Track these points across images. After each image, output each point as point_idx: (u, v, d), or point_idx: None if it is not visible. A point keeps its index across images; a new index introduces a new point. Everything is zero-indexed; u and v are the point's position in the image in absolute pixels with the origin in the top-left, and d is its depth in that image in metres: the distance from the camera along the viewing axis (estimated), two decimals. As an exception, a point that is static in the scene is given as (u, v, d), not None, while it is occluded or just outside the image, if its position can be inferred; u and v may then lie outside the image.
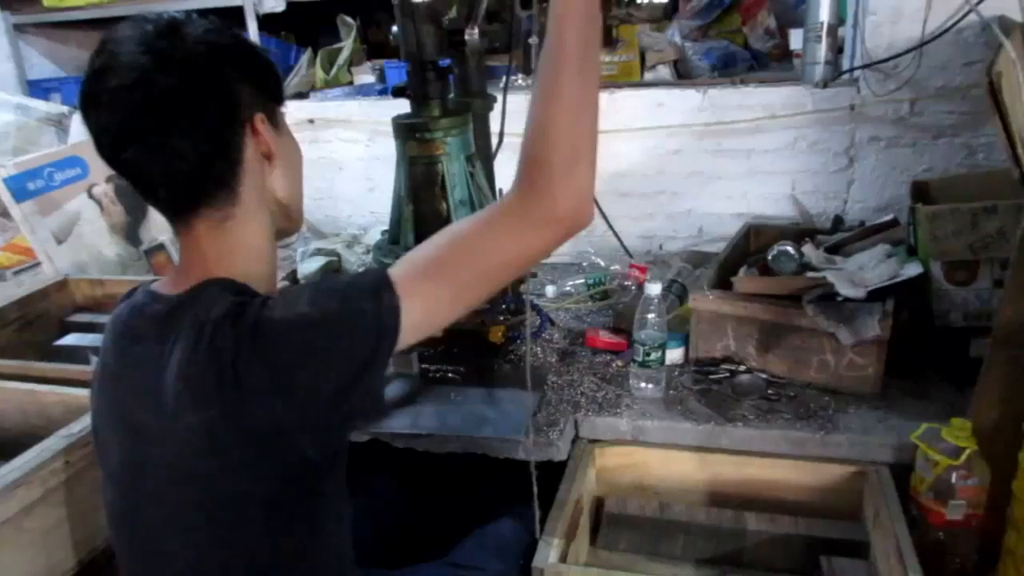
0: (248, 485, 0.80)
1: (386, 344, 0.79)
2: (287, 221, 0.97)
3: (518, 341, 1.59)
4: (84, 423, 1.12)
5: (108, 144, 0.84)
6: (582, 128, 0.80)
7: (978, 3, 1.66)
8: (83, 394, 1.22)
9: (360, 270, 0.82)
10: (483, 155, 1.53)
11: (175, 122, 0.82)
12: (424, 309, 0.81)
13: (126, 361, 0.87)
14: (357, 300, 0.80)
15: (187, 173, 0.84)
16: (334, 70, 2.65)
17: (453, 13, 1.36)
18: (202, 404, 0.78)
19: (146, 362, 0.84)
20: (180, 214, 0.88)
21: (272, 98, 0.93)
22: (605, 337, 1.57)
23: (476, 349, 1.56)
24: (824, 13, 1.86)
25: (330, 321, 0.79)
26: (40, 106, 2.67)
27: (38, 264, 1.88)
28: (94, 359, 1.46)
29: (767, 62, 2.61)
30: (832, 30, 1.88)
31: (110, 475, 0.91)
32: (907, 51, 1.78)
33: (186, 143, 0.83)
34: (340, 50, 2.67)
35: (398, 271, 0.82)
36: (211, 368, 0.77)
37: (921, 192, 1.60)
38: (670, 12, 2.65)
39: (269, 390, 0.77)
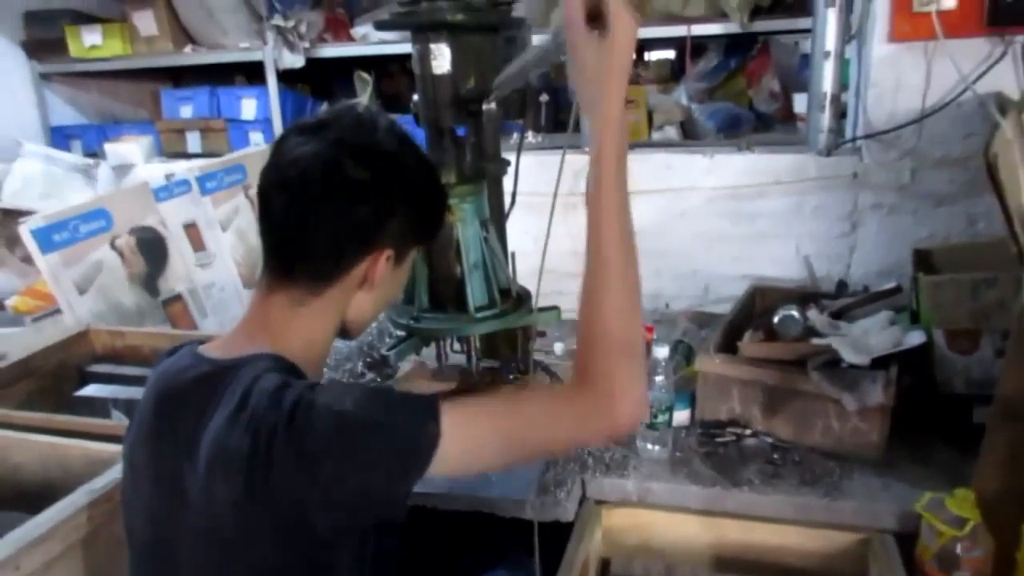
0: (268, 557, 0.82)
1: (413, 471, 0.81)
2: (345, 331, 1.00)
3: (527, 399, 1.61)
4: (107, 478, 1.13)
5: (277, 181, 0.91)
6: (630, 333, 0.86)
7: (974, 82, 1.72)
8: (105, 447, 1.24)
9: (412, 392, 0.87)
10: (496, 217, 1.57)
11: (330, 202, 0.89)
12: (461, 454, 0.84)
13: (166, 421, 0.90)
14: (401, 417, 0.82)
15: (300, 240, 0.90)
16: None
17: (471, 83, 1.42)
18: (233, 475, 0.81)
19: (186, 424, 0.87)
20: (275, 267, 0.93)
21: (418, 240, 0.99)
22: (613, 396, 1.59)
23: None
24: (827, 84, 1.92)
25: (369, 427, 0.81)
26: (67, 157, 2.75)
27: (57, 310, 1.91)
28: (115, 412, 1.49)
29: (771, 123, 2.68)
30: (835, 99, 1.94)
31: (134, 530, 0.93)
32: (908, 123, 1.84)
33: (324, 223, 0.89)
34: (356, 106, 2.74)
35: (451, 408, 0.84)
36: (246, 441, 0.80)
37: (923, 260, 1.64)
38: (677, 74, 2.73)
39: (294, 471, 0.79)
